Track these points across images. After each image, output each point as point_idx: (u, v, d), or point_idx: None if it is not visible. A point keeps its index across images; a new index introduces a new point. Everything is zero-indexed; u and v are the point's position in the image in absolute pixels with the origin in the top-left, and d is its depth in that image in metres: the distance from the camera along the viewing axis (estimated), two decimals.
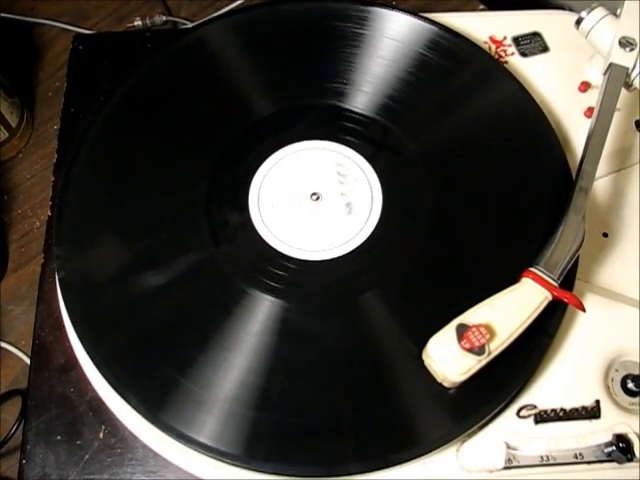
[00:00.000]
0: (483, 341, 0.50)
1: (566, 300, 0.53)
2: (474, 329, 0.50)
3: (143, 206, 0.63)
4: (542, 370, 0.58)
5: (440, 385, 0.53)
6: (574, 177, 0.59)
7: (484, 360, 0.50)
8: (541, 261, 0.54)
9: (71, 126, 0.71)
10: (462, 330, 0.51)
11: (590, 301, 0.60)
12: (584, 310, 0.53)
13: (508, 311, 0.52)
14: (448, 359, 0.51)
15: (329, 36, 0.70)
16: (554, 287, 0.53)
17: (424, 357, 0.53)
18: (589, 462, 0.55)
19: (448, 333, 0.51)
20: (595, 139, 0.59)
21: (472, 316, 0.52)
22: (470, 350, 0.50)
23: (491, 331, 0.51)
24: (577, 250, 0.55)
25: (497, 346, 0.51)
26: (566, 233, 0.55)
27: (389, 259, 0.60)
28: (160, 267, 0.60)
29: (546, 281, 0.53)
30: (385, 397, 0.55)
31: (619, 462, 0.54)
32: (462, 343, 0.50)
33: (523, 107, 0.66)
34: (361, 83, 0.67)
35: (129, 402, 0.54)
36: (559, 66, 0.72)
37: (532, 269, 0.54)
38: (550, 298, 0.53)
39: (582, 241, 0.55)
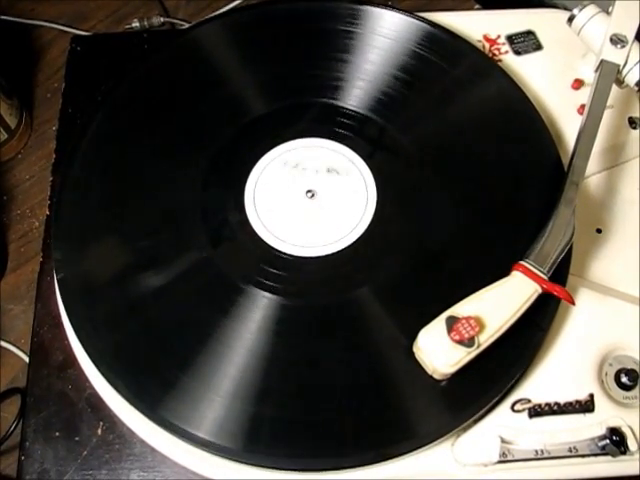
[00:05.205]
0: (472, 333, 0.50)
1: (556, 293, 0.53)
2: (464, 321, 0.51)
3: (140, 206, 0.63)
4: (536, 364, 0.58)
5: (431, 377, 0.54)
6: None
7: (474, 352, 0.51)
8: (531, 254, 0.55)
9: (69, 127, 0.72)
10: (452, 322, 0.51)
11: (584, 296, 0.60)
12: (573, 303, 0.54)
13: (498, 304, 0.52)
14: (438, 351, 0.51)
15: (323, 35, 0.70)
16: (544, 280, 0.53)
17: (415, 349, 0.54)
18: (583, 455, 0.55)
19: (438, 325, 0.52)
20: (586, 134, 0.59)
21: (462, 308, 0.52)
22: (460, 342, 0.50)
23: (481, 323, 0.51)
24: (567, 244, 0.55)
25: (487, 338, 0.51)
26: (556, 227, 0.55)
27: (384, 254, 0.61)
28: (158, 266, 0.60)
29: (536, 274, 0.53)
30: (381, 391, 0.55)
31: (613, 455, 0.55)
32: (452, 335, 0.50)
33: (517, 104, 0.67)
34: (355, 81, 0.68)
35: (127, 399, 0.54)
36: (552, 64, 0.72)
37: (522, 262, 0.54)
38: (540, 291, 0.53)
39: (572, 235, 0.55)
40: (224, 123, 0.67)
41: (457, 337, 0.50)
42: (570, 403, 0.57)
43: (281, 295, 0.59)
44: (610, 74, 0.62)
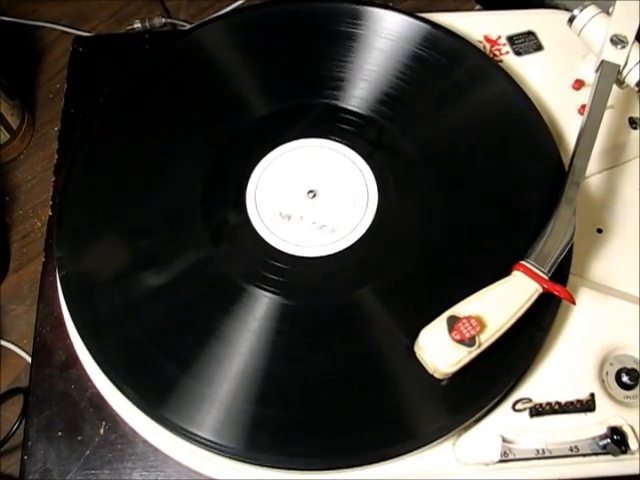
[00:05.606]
0: (473, 333, 0.50)
1: (556, 293, 0.53)
2: (465, 321, 0.51)
3: (142, 206, 0.64)
4: (537, 364, 0.58)
5: (432, 377, 0.54)
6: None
7: (474, 351, 0.51)
8: (532, 254, 0.55)
9: (71, 127, 0.72)
10: (453, 322, 0.51)
11: (584, 296, 0.60)
12: (574, 302, 0.54)
13: (499, 303, 0.52)
14: (439, 350, 0.51)
15: (324, 36, 0.70)
16: (545, 280, 0.53)
17: (416, 349, 0.54)
18: (584, 455, 0.55)
19: (439, 325, 0.52)
20: (586, 134, 0.60)
21: (463, 308, 0.52)
22: (460, 341, 0.50)
23: (482, 323, 0.51)
24: (568, 243, 0.55)
25: (487, 338, 0.51)
26: (557, 227, 0.56)
27: (385, 254, 0.61)
28: (159, 266, 0.60)
29: (537, 274, 0.53)
30: (383, 391, 0.55)
31: (614, 454, 0.55)
32: (453, 334, 0.51)
33: (518, 105, 0.67)
34: (356, 82, 0.68)
35: (129, 398, 0.55)
36: (553, 64, 0.72)
37: (523, 262, 0.54)
38: (540, 291, 0.53)
39: (573, 235, 0.56)
40: (226, 123, 0.67)
41: (458, 337, 0.50)
42: (571, 402, 0.57)
43: (282, 295, 0.59)
44: (610, 74, 0.62)
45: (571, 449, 0.55)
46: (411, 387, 0.55)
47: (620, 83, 0.64)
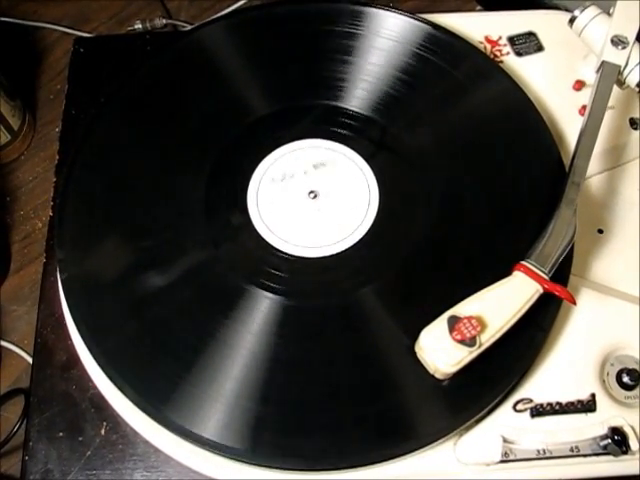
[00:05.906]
0: (474, 333, 0.50)
1: (557, 293, 0.53)
2: (465, 321, 0.51)
3: (143, 207, 0.63)
4: (538, 364, 0.58)
5: (432, 377, 0.54)
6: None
7: (475, 352, 0.51)
8: (533, 255, 0.55)
9: (72, 128, 0.72)
10: (453, 322, 0.51)
11: (585, 296, 0.60)
12: (574, 303, 0.54)
13: (499, 303, 0.52)
14: (439, 350, 0.51)
15: (325, 37, 0.70)
16: (545, 280, 0.53)
17: (416, 349, 0.54)
18: (585, 455, 0.55)
19: (440, 325, 0.52)
20: (587, 135, 0.60)
21: (464, 308, 0.52)
22: (461, 341, 0.50)
23: (482, 323, 0.51)
24: (568, 244, 0.55)
25: (488, 338, 0.51)
26: (558, 227, 0.56)
27: (386, 255, 0.61)
28: (161, 267, 0.60)
29: (537, 274, 0.53)
30: (383, 391, 0.55)
31: (614, 455, 0.55)
32: (453, 335, 0.51)
33: (518, 105, 0.67)
34: (357, 83, 0.68)
35: (131, 399, 0.54)
36: (554, 65, 0.72)
37: (524, 262, 0.54)
38: (541, 291, 0.53)
39: (573, 235, 0.56)
40: (227, 124, 0.67)
41: (459, 337, 0.51)
42: (572, 403, 0.57)
43: (283, 295, 0.59)
44: (611, 75, 0.62)
45: (572, 449, 0.55)
46: (412, 387, 0.55)
47: (621, 84, 0.64)
